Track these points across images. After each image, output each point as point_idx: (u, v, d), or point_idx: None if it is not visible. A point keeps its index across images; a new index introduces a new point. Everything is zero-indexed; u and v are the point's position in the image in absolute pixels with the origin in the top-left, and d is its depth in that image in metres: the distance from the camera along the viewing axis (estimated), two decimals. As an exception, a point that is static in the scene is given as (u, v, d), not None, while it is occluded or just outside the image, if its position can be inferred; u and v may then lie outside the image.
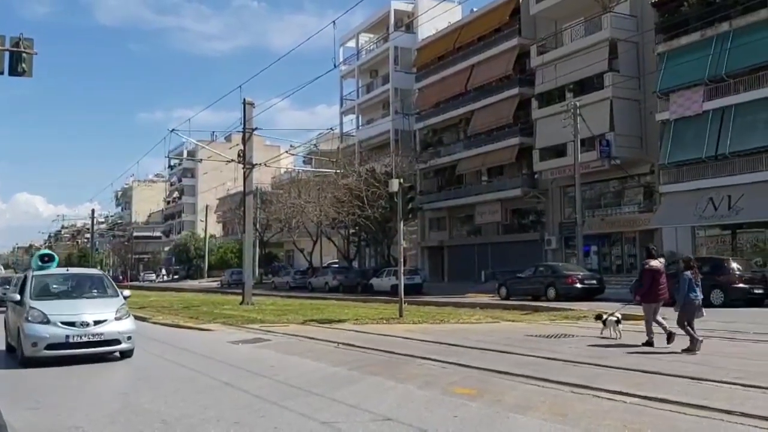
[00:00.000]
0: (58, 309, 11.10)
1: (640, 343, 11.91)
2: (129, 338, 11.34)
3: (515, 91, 41.17)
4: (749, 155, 28.55)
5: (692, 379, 8.25)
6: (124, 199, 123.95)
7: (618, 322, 13.34)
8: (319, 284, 44.74)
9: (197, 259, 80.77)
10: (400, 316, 18.93)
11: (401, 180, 21.63)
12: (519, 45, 41.09)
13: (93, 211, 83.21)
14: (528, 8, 40.32)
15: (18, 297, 11.86)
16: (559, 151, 37.16)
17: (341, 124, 60.21)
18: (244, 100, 29.79)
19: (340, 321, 18.31)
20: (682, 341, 11.37)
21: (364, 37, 58.78)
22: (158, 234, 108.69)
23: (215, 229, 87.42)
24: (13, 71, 14.94)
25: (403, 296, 19.99)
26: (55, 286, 12.59)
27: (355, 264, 51.48)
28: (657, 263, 12.44)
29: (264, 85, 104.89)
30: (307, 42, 73.78)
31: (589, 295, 26.22)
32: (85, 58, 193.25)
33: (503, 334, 14.80)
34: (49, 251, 13.61)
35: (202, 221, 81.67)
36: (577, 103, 32.41)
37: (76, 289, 12.56)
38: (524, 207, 42.72)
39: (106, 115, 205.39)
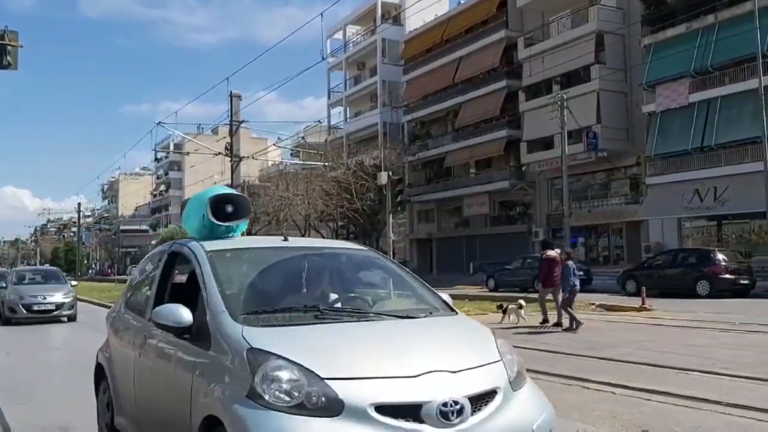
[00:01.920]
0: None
1: (544, 325, 13.56)
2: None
3: (503, 83, 41.23)
4: (735, 147, 28.80)
5: (678, 370, 8.33)
6: (110, 192, 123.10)
7: (520, 307, 14.41)
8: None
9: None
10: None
11: (390, 173, 21.71)
12: (506, 37, 41.12)
13: (79, 204, 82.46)
14: (515, 0, 40.34)
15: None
16: (546, 143, 37.29)
17: (329, 116, 60.05)
18: (231, 92, 29.67)
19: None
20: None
21: (351, 29, 58.59)
22: (145, 227, 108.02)
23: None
24: (-2, 64, 14.76)
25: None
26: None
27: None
28: (553, 253, 14.00)
29: (251, 77, 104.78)
30: (295, 34, 73.68)
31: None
32: (70, 51, 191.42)
33: (491, 326, 14.82)
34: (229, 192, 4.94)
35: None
36: (564, 96, 32.52)
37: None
38: (512, 199, 42.88)
39: (93, 108, 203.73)
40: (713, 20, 29.73)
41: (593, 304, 18.96)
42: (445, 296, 4.55)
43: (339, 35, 58.91)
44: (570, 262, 13.45)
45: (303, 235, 53.69)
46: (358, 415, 3.08)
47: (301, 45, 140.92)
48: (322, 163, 42.53)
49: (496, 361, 3.57)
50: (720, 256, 22.73)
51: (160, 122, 30.89)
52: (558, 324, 13.39)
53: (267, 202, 51.62)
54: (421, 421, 3.12)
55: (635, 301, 18.68)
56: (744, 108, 28.00)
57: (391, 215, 21.77)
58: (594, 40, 34.95)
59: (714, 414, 5.98)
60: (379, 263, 5.12)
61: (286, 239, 4.88)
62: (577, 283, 13.35)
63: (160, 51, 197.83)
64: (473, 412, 3.25)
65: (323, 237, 52.69)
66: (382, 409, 3.10)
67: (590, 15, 35.52)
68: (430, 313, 4.24)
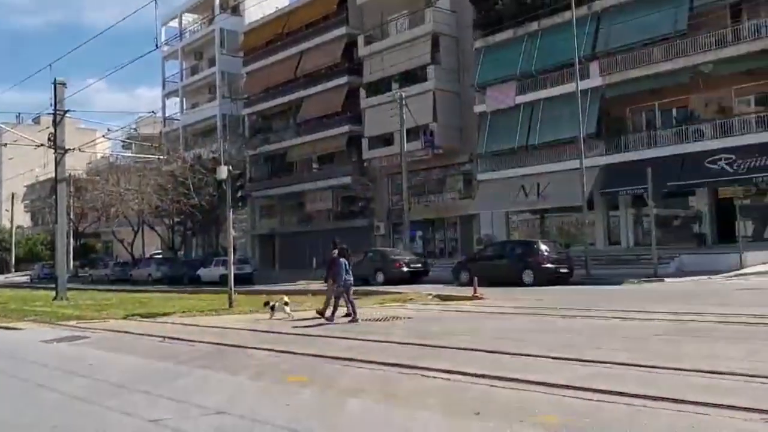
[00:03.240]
0: None
1: (344, 318, 14.17)
2: None
3: (344, 79, 41.65)
4: (555, 146, 31.19)
5: (507, 354, 8.88)
6: None
7: (286, 304, 15.36)
8: (141, 276, 42.54)
9: (3, 252, 74.10)
10: (230, 306, 18.56)
11: (230, 167, 21.14)
12: (347, 34, 41.56)
13: None
14: (355, -2, 40.86)
15: None
16: (386, 140, 38.21)
17: (164, 107, 57.59)
18: (56, 79, 27.49)
19: (165, 314, 17.53)
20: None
21: (188, 18, 56.48)
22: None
23: (23, 219, 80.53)
24: None
25: (233, 286, 19.63)
26: None
27: (181, 254, 49.59)
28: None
29: (79, 64, 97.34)
30: (127, 20, 69.65)
31: (416, 277, 27.37)
32: None
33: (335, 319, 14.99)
34: None
35: (7, 211, 74.77)
36: (403, 94, 33.50)
37: None
38: (354, 194, 43.46)
39: None
40: (537, 27, 31.99)
41: (430, 294, 19.75)
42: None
43: (174, 23, 56.54)
44: (342, 260, 14.61)
45: (136, 232, 51.13)
46: None
47: (134, 31, 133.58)
48: (157, 156, 40.64)
49: None
50: (542, 247, 24.48)
51: (-30, 110, 27.97)
52: (348, 315, 14.28)
53: (96, 197, 48.60)
54: None
55: (468, 291, 19.58)
56: (563, 110, 30.35)
57: (231, 211, 21.25)
58: (430, 41, 36.30)
59: (538, 394, 6.44)
60: None
61: None
62: (350, 279, 14.44)
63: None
64: None
65: (158, 234, 50.54)
66: None
67: (426, 16, 36.84)
68: None
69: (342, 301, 14.50)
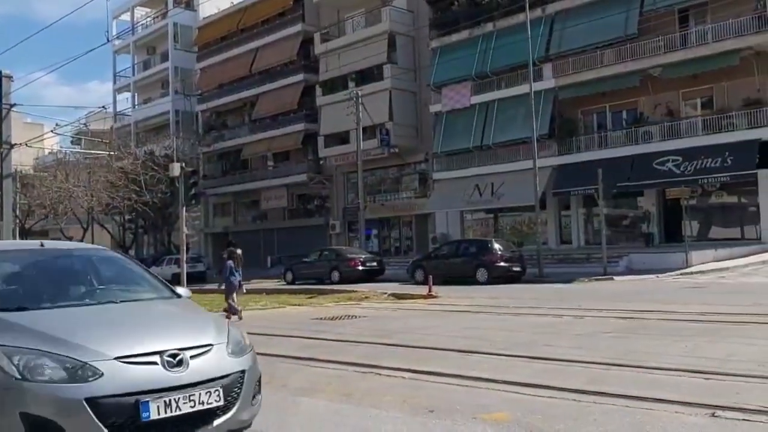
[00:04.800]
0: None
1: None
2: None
3: (300, 77, 41.42)
4: (509, 146, 31.61)
5: (461, 352, 8.97)
6: None
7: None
8: (89, 275, 41.48)
9: (-59, 250, 71.03)
10: (182, 305, 18.30)
11: (183, 164, 20.87)
12: (303, 31, 41.35)
13: None
14: (312, -5, 40.69)
15: None
16: (342, 138, 38.16)
17: (115, 102, 56.35)
18: (1, 72, 26.64)
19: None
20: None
21: (140, 11, 55.35)
22: None
23: (-36, 216, 77.50)
24: None
25: (185, 285, 19.37)
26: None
27: (132, 252, 48.59)
28: (237, 254, 16.37)
29: (26, 57, 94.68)
30: (77, 12, 68.05)
31: (371, 276, 27.40)
32: None
33: (289, 318, 14.93)
34: None
35: (-53, 207, 71.88)
36: (359, 93, 33.49)
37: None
38: (310, 192, 43.31)
39: None
40: (492, 28, 32.35)
41: (385, 293, 19.80)
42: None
43: (126, 16, 55.38)
44: (229, 262, 15.65)
45: (85, 230, 49.87)
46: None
47: (85, 24, 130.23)
48: (107, 152, 39.75)
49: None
50: (496, 246, 24.80)
51: None
52: (238, 314, 15.01)
53: (43, 194, 47.13)
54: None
55: (423, 289, 19.72)
56: (517, 111, 30.79)
57: (184, 208, 20.95)
58: (386, 40, 36.36)
59: (492, 392, 6.52)
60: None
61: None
62: (234, 281, 15.42)
63: None
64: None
65: (108, 231, 49.40)
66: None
67: (383, 15, 36.90)
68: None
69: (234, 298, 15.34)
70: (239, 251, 16.83)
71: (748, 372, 6.68)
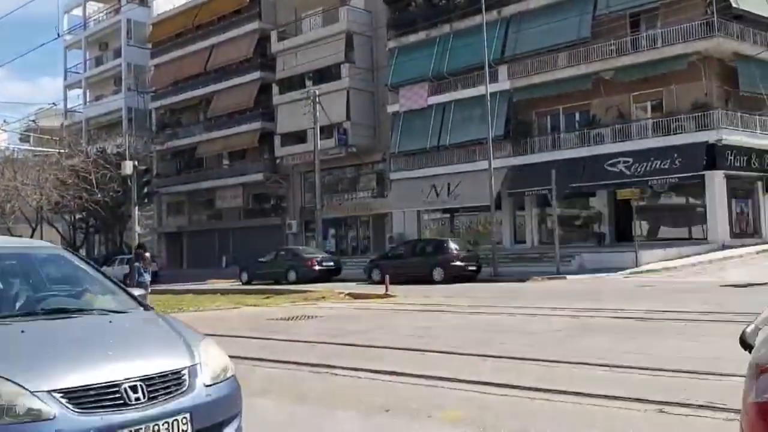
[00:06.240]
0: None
1: None
2: None
3: (257, 75, 41.07)
4: (465, 147, 31.90)
5: (417, 351, 9.01)
6: None
7: None
8: (38, 276, 40.39)
9: None
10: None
11: (136, 162, 20.50)
12: (260, 29, 41.01)
13: None
14: (268, -7, 40.40)
15: None
16: (299, 137, 37.96)
17: (65, 99, 55.00)
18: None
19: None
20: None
21: (92, 6, 54.13)
22: None
23: None
24: None
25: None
26: None
27: (83, 252, 47.49)
28: (145, 255, 16.83)
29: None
30: (27, 6, 65.76)
31: (328, 276, 27.33)
32: None
33: (245, 319, 14.79)
34: None
35: None
36: (317, 92, 33.37)
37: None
38: (266, 192, 42.96)
39: None
40: (449, 30, 32.59)
41: (342, 292, 19.75)
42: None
43: (78, 11, 54.09)
44: (137, 264, 16.25)
45: (34, 229, 48.55)
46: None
47: (35, 19, 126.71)
48: (58, 150, 38.76)
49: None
50: (452, 246, 25.03)
51: None
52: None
53: (-11, 192, 45.78)
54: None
55: (380, 289, 19.77)
56: (473, 112, 31.06)
57: (137, 207, 20.58)
58: (344, 39, 36.32)
59: (448, 390, 6.56)
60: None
61: None
62: (142, 281, 15.57)
63: None
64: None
65: (58, 231, 48.18)
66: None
67: (341, 15, 36.84)
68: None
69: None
70: (147, 254, 17.46)
71: (695, 369, 6.85)
